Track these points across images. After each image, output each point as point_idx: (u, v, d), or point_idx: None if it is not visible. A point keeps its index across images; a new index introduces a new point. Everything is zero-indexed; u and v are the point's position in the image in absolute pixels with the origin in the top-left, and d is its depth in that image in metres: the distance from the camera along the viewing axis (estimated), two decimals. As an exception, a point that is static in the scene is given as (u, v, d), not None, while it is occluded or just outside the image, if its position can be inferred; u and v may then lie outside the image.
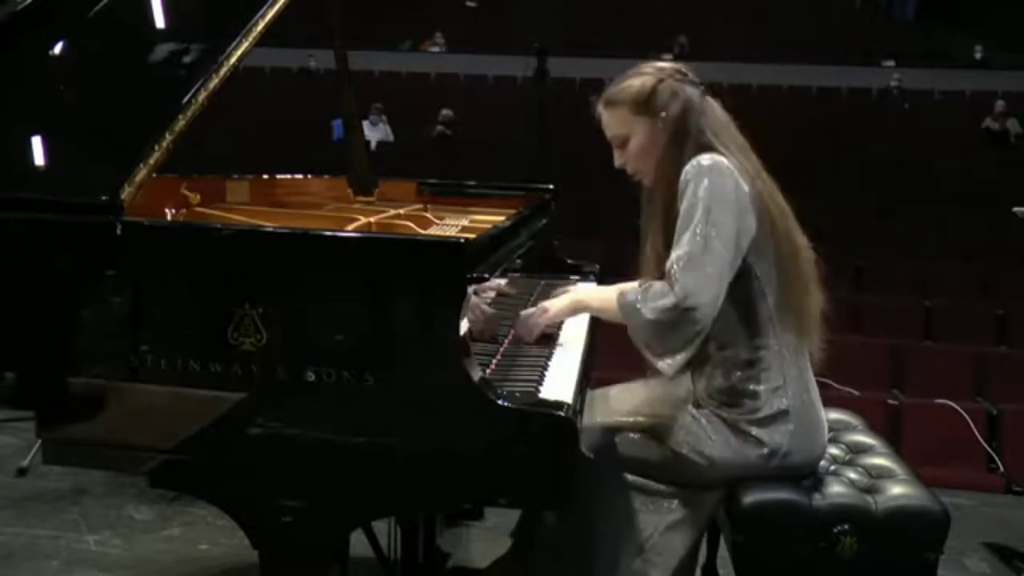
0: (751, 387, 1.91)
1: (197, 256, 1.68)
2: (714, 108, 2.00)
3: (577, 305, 2.10)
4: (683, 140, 1.93)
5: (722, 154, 1.90)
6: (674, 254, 1.84)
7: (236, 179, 2.77)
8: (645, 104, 1.96)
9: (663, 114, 1.94)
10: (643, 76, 1.98)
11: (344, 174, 2.93)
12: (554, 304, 2.10)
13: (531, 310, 2.11)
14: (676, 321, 1.81)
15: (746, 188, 1.88)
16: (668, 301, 1.81)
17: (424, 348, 1.56)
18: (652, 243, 2.00)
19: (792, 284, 1.94)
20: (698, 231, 1.82)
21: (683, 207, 1.86)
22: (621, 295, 1.91)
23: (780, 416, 1.91)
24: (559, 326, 2.21)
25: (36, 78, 2.00)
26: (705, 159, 1.88)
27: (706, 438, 1.92)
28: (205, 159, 2.84)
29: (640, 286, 1.90)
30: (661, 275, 1.89)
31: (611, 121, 2.01)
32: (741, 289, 1.90)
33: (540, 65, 6.62)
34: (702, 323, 1.81)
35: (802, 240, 1.98)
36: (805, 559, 1.87)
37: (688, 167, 1.88)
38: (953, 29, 15.41)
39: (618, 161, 2.04)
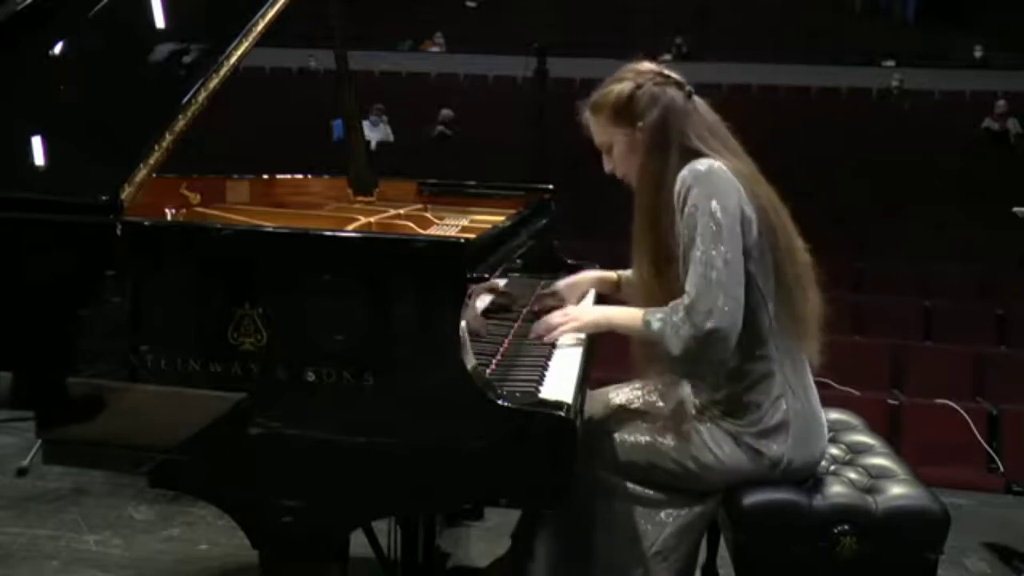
0: (752, 398, 1.90)
1: (197, 256, 1.68)
2: (700, 110, 1.95)
3: (605, 323, 2.00)
4: (665, 147, 1.89)
5: (713, 158, 1.86)
6: (689, 278, 1.79)
7: (236, 179, 2.77)
8: (623, 112, 1.93)
9: (640, 123, 1.91)
10: (622, 83, 1.95)
11: (344, 174, 2.93)
12: (584, 315, 2.05)
13: (555, 315, 2.06)
14: (703, 347, 1.77)
15: (744, 192, 1.85)
16: (688, 331, 1.77)
17: (424, 348, 1.56)
18: (642, 252, 1.96)
19: (790, 290, 1.90)
20: (710, 251, 1.77)
21: (684, 217, 1.82)
22: (646, 323, 1.85)
23: (781, 427, 1.89)
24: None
25: (36, 78, 2.00)
26: (701, 164, 1.84)
27: (706, 447, 1.91)
28: (205, 159, 2.84)
29: (663, 310, 1.83)
30: (655, 277, 1.89)
31: (595, 128, 2.00)
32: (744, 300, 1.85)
33: (540, 65, 6.63)
34: (730, 344, 1.79)
35: (798, 242, 1.94)
36: (805, 559, 1.87)
37: (685, 173, 1.84)
38: (953, 29, 15.41)
39: (607, 167, 2.03)
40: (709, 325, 1.76)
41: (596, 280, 2.41)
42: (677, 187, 1.84)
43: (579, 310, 2.12)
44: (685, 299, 1.79)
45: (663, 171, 1.89)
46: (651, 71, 1.96)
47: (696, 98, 1.96)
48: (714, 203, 1.80)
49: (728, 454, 1.90)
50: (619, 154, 1.98)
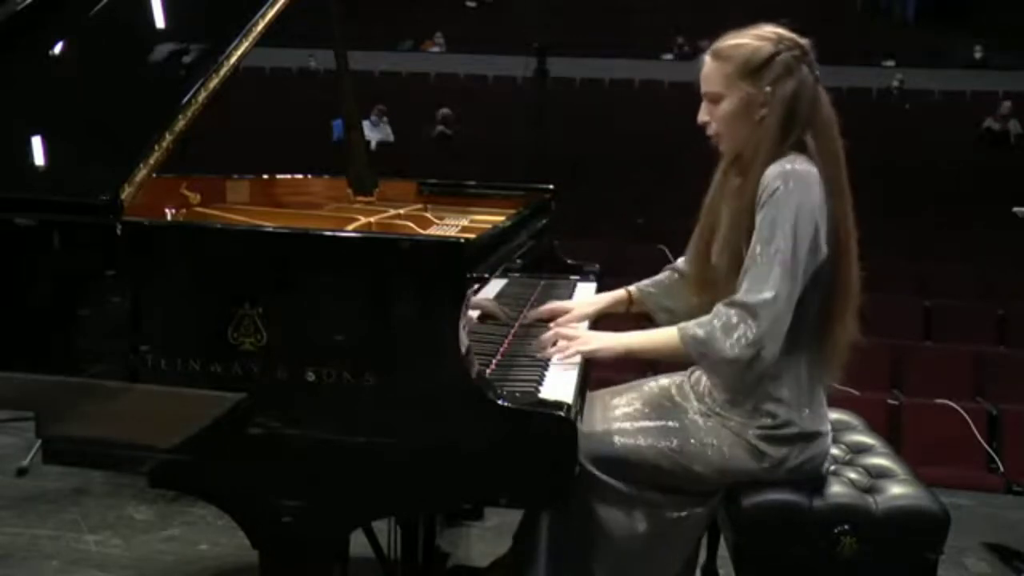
0: (763, 403, 1.89)
1: (197, 256, 1.68)
2: (825, 101, 1.88)
3: (622, 350, 1.90)
4: (789, 126, 1.82)
5: (814, 162, 1.80)
6: (759, 287, 1.74)
7: (236, 179, 2.77)
8: (754, 71, 1.83)
9: (768, 88, 1.82)
10: (762, 40, 1.85)
11: (344, 174, 2.93)
12: (599, 342, 1.92)
13: (568, 331, 1.98)
14: (753, 357, 1.75)
15: (826, 207, 1.80)
16: (752, 335, 1.73)
17: (424, 348, 1.56)
18: (729, 224, 1.88)
19: (831, 313, 1.87)
20: (788, 269, 1.74)
21: (765, 219, 1.76)
22: (685, 331, 1.80)
23: (788, 436, 1.89)
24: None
25: (36, 78, 2.00)
26: (799, 167, 1.78)
27: (708, 444, 1.91)
28: (205, 159, 2.84)
29: (706, 319, 1.80)
30: (729, 259, 1.83)
31: (711, 74, 1.88)
32: None
33: (540, 65, 6.64)
34: (770, 359, 1.77)
35: (855, 271, 1.89)
36: (805, 560, 1.87)
37: (775, 169, 1.78)
38: (953, 29, 15.42)
39: (702, 116, 1.91)
40: (767, 338, 1.74)
41: (607, 303, 2.28)
42: (765, 180, 1.78)
43: (592, 335, 1.99)
44: (757, 303, 1.74)
45: (777, 150, 1.81)
46: (791, 39, 1.87)
47: (821, 87, 1.88)
48: (799, 216, 1.75)
49: (730, 451, 1.90)
50: (727, 110, 1.86)
